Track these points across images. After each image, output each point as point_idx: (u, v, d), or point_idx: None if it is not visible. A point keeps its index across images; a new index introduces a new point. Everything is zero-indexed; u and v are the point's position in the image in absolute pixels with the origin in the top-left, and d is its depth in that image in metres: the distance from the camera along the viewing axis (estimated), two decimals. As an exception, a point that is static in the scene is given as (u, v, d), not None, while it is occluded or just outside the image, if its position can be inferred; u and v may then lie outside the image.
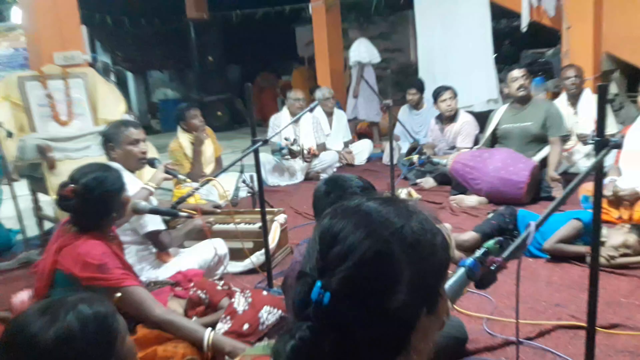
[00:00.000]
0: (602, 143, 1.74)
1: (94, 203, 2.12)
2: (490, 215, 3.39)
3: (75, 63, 4.50)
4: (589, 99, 4.92)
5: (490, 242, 1.15)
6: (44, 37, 4.46)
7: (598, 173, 1.79)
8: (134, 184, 2.91)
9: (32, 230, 4.25)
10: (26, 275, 3.69)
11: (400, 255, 0.74)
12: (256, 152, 2.82)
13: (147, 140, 3.07)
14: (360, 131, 7.67)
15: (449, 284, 1.04)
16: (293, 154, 5.48)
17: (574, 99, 4.98)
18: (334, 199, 1.90)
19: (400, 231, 0.76)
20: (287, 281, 2.11)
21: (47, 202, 4.54)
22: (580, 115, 4.92)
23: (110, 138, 2.96)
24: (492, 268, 1.11)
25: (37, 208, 4.27)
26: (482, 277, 1.10)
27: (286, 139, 5.45)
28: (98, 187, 2.14)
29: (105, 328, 1.19)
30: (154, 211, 2.64)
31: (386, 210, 0.79)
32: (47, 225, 4.36)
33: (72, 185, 2.13)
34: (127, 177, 2.38)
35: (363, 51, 7.21)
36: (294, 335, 0.73)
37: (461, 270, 1.08)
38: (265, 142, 2.70)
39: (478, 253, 1.11)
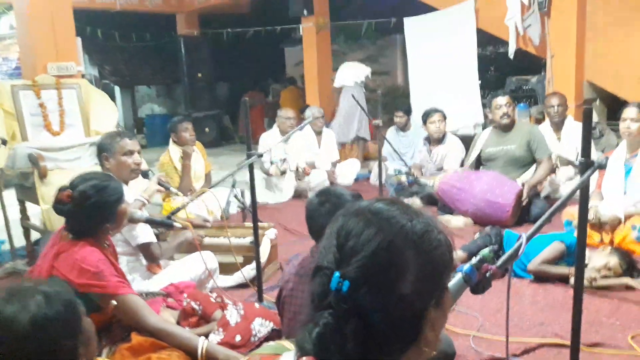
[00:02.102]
0: (587, 164, 1.83)
1: (88, 211, 2.14)
2: (477, 236, 3.47)
3: (68, 74, 4.53)
4: (572, 126, 5.07)
5: (486, 251, 1.22)
6: (38, 47, 4.49)
7: (583, 193, 1.87)
8: (127, 194, 2.93)
9: (19, 241, 4.22)
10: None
11: (408, 248, 0.82)
12: (251, 166, 2.87)
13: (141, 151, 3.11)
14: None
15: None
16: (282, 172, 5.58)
17: (557, 126, 5.12)
18: (329, 208, 1.97)
19: (408, 227, 0.84)
20: (281, 294, 2.15)
21: (36, 213, 4.53)
22: (563, 142, 5.07)
23: (104, 148, 2.98)
24: (487, 275, 1.18)
25: (24, 218, 4.24)
26: (477, 282, 1.16)
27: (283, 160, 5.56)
28: (94, 195, 2.16)
29: (71, 308, 1.24)
30: (149, 221, 2.67)
31: (393, 209, 0.87)
32: (34, 235, 4.34)
33: (69, 190, 2.15)
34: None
35: (346, 75, 7.41)
36: (318, 322, 0.79)
37: (459, 276, 1.15)
38: (260, 156, 2.76)
39: (474, 260, 1.18)
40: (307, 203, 2.16)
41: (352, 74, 7.45)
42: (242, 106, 2.79)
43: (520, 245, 1.31)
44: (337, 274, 0.79)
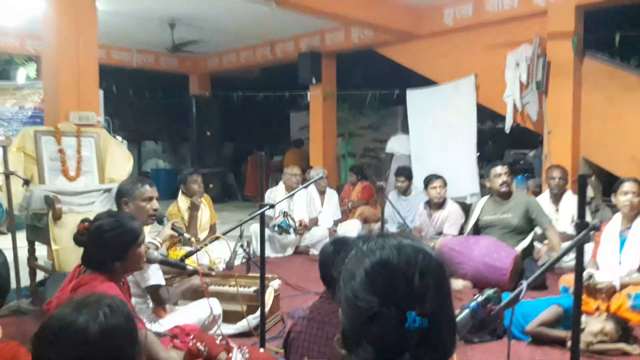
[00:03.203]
0: (582, 225, 1.97)
1: (99, 245, 2.25)
2: (476, 296, 3.54)
3: (89, 123, 4.75)
4: (570, 199, 5.25)
5: (490, 291, 1.33)
6: (63, 96, 4.73)
7: (579, 252, 2.00)
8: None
9: (24, 280, 4.28)
10: (15, 322, 3.71)
11: (447, 274, 0.93)
12: (262, 216, 3.00)
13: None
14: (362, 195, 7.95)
15: (456, 320, 1.21)
16: (284, 230, 5.68)
17: (555, 198, 5.29)
18: (345, 257, 2.08)
19: (439, 256, 0.95)
20: (289, 335, 2.23)
21: (43, 255, 4.61)
22: (561, 214, 5.22)
23: (124, 193, 3.12)
24: (491, 314, 1.29)
25: (32, 258, 4.32)
26: (482, 319, 1.27)
27: (285, 213, 5.68)
28: (107, 232, 2.26)
29: (130, 319, 1.35)
30: (164, 262, 2.77)
31: (413, 243, 0.96)
32: (39, 276, 4.40)
33: (88, 223, 2.28)
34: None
35: (401, 144, 8.30)
36: None
37: (466, 311, 1.26)
38: (272, 206, 2.89)
39: (480, 298, 1.30)
40: (321, 250, 2.28)
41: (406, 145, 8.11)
42: (259, 159, 2.96)
43: (521, 290, 1.43)
44: (412, 314, 0.83)
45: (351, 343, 0.89)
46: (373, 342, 0.85)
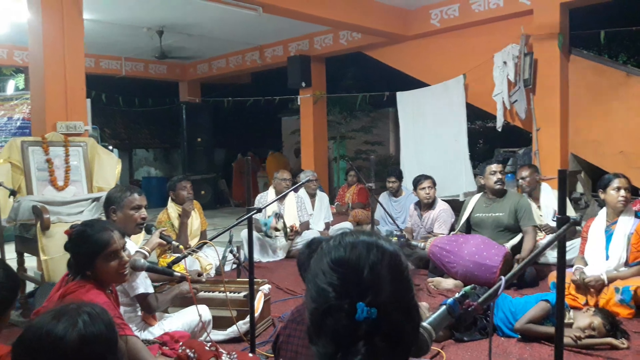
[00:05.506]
0: (563, 220, 1.99)
1: (75, 250, 2.26)
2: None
3: (76, 132, 4.74)
4: (548, 193, 5.30)
5: (467, 288, 1.34)
6: (50, 106, 4.72)
7: (560, 246, 2.02)
8: (129, 247, 3.04)
9: (14, 292, 4.25)
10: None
11: (403, 262, 0.95)
12: (249, 221, 3.01)
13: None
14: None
15: (433, 317, 1.22)
16: (276, 230, 5.68)
17: (529, 195, 5.31)
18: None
19: (396, 247, 0.97)
20: (278, 339, 2.23)
21: (32, 266, 4.59)
22: (544, 209, 5.26)
23: (113, 201, 3.11)
24: (469, 309, 1.30)
25: (21, 270, 4.30)
26: (460, 315, 1.28)
27: (277, 215, 5.66)
28: (75, 240, 2.26)
29: (111, 326, 1.35)
30: (151, 269, 2.76)
31: (369, 238, 0.97)
32: (29, 288, 4.38)
33: (71, 228, 2.29)
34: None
35: None
36: (353, 356, 0.85)
37: (443, 307, 1.27)
38: (260, 210, 2.90)
39: (457, 295, 1.30)
40: (298, 254, 2.30)
41: None
42: (246, 163, 2.97)
43: (500, 286, 1.44)
44: (361, 304, 0.85)
45: (313, 337, 0.93)
46: (329, 334, 0.88)
